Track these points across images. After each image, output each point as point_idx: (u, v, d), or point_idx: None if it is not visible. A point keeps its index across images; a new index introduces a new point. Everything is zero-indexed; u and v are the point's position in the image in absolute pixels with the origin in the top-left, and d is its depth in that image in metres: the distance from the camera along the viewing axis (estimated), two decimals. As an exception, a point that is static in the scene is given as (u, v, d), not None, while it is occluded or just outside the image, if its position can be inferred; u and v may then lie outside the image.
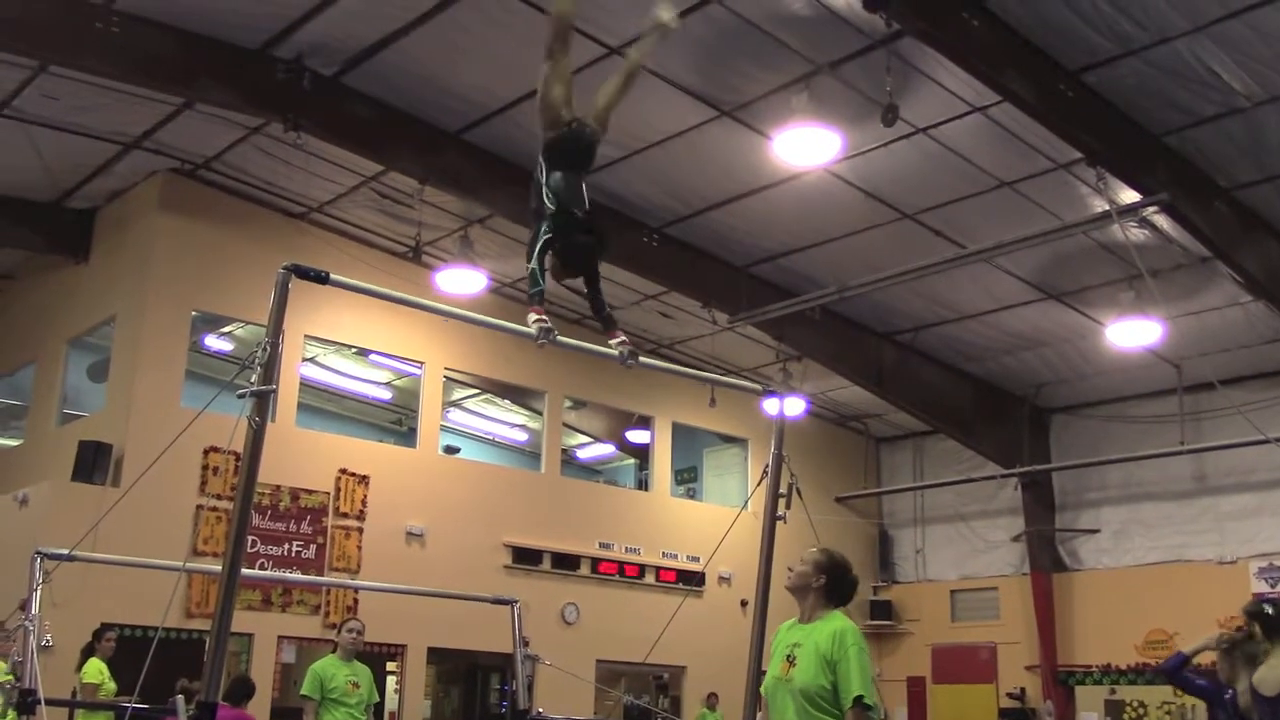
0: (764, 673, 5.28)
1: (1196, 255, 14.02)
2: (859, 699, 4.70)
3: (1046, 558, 19.28)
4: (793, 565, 5.15)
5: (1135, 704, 17.94)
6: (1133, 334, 15.31)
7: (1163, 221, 13.31)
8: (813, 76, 11.43)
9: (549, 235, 6.07)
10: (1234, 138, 11.88)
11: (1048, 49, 10.89)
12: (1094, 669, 18.52)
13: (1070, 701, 18.66)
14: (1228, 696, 5.91)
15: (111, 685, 10.87)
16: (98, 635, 11.17)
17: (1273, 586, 16.80)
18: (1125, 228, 13.14)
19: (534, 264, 6.07)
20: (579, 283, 6.42)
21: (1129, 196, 12.63)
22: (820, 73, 11.40)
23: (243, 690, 8.65)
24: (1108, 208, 12.66)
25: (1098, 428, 19.03)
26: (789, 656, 4.94)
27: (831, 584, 5.05)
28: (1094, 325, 16.31)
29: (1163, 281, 14.06)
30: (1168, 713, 17.35)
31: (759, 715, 6.36)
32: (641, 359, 6.59)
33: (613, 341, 6.40)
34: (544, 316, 6.05)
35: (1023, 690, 19.04)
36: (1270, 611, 5.54)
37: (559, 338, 6.10)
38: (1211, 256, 13.77)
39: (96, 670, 10.91)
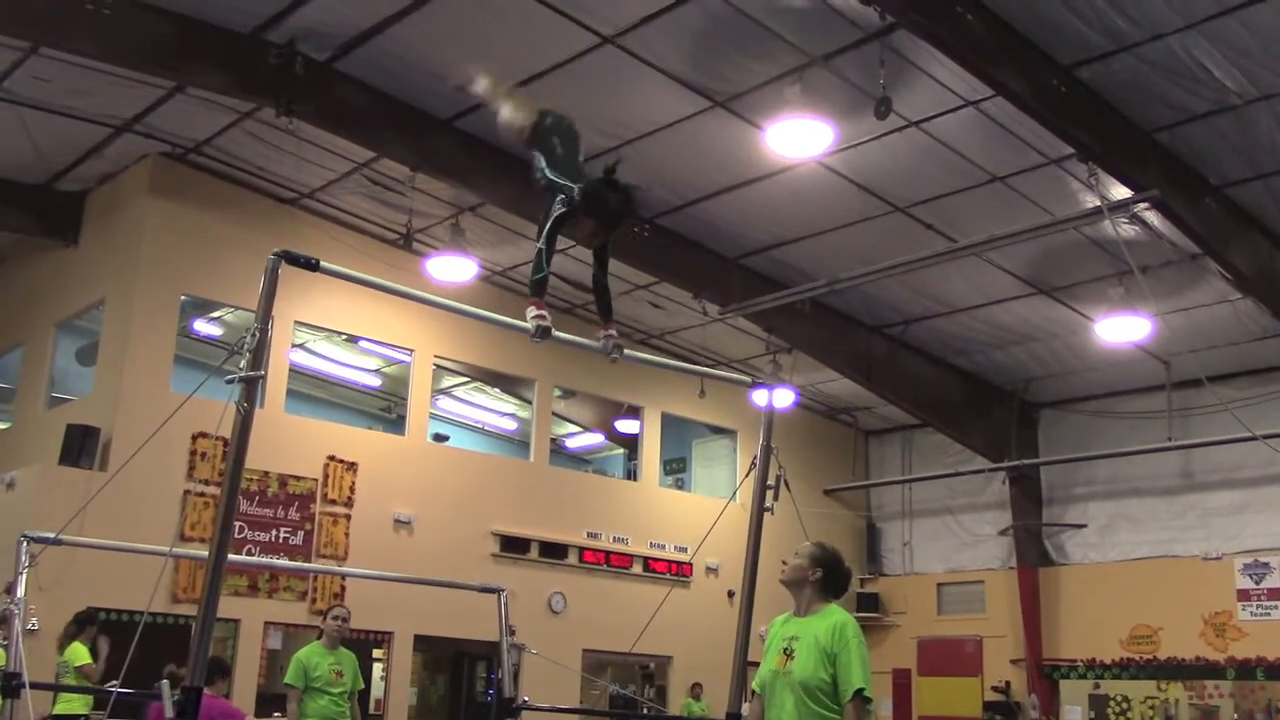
0: (753, 665, 5.27)
1: (1186, 252, 14.04)
2: (859, 691, 4.72)
3: (1033, 552, 19.35)
4: (786, 559, 5.14)
5: (1119, 698, 18.01)
6: (1122, 330, 15.34)
7: (1153, 218, 13.33)
8: (806, 68, 11.40)
9: (562, 211, 5.79)
10: (1225, 135, 11.89)
11: (1041, 44, 10.89)
12: (1079, 663, 18.59)
13: (1055, 695, 18.72)
14: None
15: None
16: (80, 621, 11.06)
17: (1257, 583, 16.89)
18: (1116, 223, 13.16)
19: (543, 243, 5.80)
20: (573, 272, 6.38)
21: (1120, 192, 12.64)
22: (814, 64, 11.38)
23: (213, 670, 8.46)
24: (1099, 203, 12.67)
25: (1086, 423, 19.08)
26: (786, 650, 4.94)
27: (827, 577, 5.07)
28: (1083, 321, 16.34)
29: (1152, 278, 14.09)
30: (1151, 707, 17.43)
31: (749, 708, 6.37)
32: (629, 352, 6.55)
33: (601, 334, 6.31)
34: (543, 312, 5.84)
35: (1008, 684, 19.11)
36: None
37: (555, 333, 5.91)
38: (1201, 253, 13.80)
39: (84, 651, 10.86)
